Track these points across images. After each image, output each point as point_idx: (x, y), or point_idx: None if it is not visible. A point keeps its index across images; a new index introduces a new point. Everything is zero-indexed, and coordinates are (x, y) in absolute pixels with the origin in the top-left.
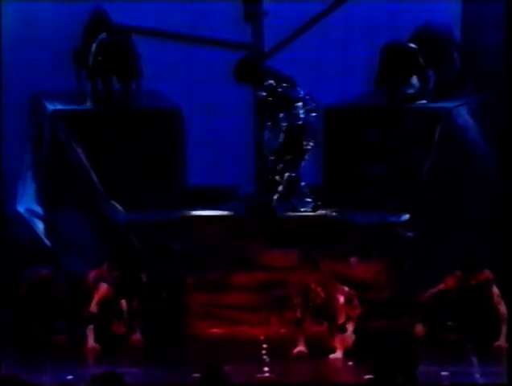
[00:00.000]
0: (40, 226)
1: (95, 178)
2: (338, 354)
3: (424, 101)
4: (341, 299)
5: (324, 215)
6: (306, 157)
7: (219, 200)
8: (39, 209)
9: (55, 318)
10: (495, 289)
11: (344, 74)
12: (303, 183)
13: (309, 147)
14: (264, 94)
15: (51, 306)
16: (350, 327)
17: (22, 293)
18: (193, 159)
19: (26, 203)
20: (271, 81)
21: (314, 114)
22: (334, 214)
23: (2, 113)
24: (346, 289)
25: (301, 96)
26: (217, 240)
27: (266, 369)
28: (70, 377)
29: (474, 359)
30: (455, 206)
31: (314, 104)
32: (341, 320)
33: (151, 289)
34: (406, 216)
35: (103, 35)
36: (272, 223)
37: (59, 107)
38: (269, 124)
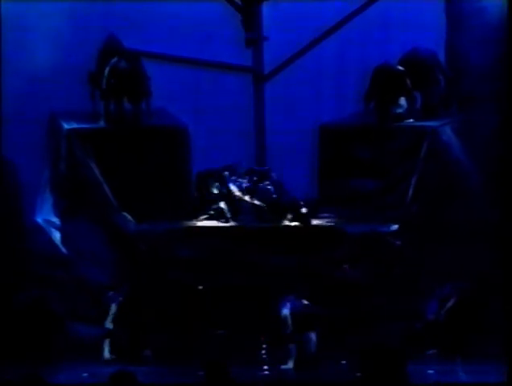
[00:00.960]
0: (57, 235)
1: (108, 191)
2: (289, 365)
3: (412, 120)
4: (285, 310)
5: (321, 225)
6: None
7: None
8: (55, 220)
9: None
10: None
11: (338, 94)
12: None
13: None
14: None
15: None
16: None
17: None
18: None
19: (45, 214)
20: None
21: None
22: (329, 224)
23: (24, 131)
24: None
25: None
26: (219, 249)
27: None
28: (85, 375)
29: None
30: (441, 216)
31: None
32: (285, 331)
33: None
34: (395, 226)
35: (115, 60)
36: (271, 232)
37: (75, 126)
38: None
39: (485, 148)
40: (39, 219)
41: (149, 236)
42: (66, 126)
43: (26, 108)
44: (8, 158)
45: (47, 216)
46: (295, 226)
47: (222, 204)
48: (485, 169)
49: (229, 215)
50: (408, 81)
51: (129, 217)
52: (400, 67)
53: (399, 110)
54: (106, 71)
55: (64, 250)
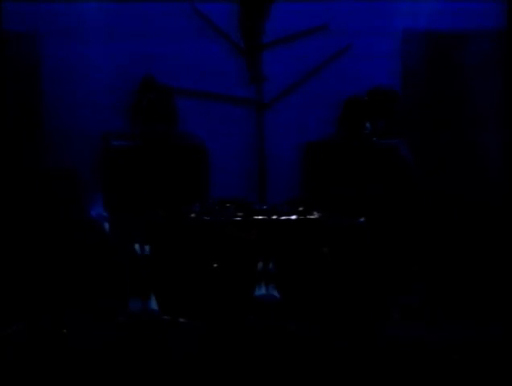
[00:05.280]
0: (106, 225)
1: (144, 193)
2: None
3: (375, 139)
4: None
5: (306, 218)
6: None
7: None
8: (105, 214)
9: None
10: None
11: (320, 119)
12: None
13: None
14: None
15: None
16: None
17: None
18: (214, 178)
19: (97, 209)
20: None
21: None
22: (313, 217)
23: (83, 147)
24: None
25: None
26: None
27: None
28: None
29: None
30: (397, 210)
31: None
32: None
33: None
34: (363, 219)
35: (151, 93)
36: (263, 225)
37: (121, 143)
38: None
39: (429, 159)
40: (93, 213)
41: (175, 226)
42: (114, 143)
43: (87, 129)
44: (70, 167)
45: (99, 211)
46: (288, 218)
47: None
48: (431, 174)
49: None
50: (372, 109)
51: (160, 212)
52: (366, 98)
53: (365, 131)
54: (144, 102)
55: (111, 236)
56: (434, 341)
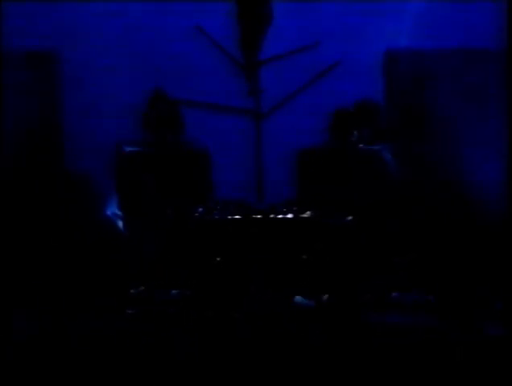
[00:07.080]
0: (120, 223)
1: (154, 194)
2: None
3: (361, 145)
4: None
5: (299, 217)
6: None
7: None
8: (119, 213)
9: None
10: None
11: (312, 128)
12: None
13: None
14: None
15: None
16: None
17: None
18: (216, 182)
19: (112, 209)
20: None
21: None
22: (306, 216)
23: (98, 154)
24: None
25: None
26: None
27: None
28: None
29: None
30: (382, 208)
31: None
32: None
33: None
34: (350, 218)
35: (161, 104)
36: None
37: (133, 149)
38: None
39: (409, 162)
40: (109, 212)
41: (182, 225)
42: (126, 149)
43: (103, 137)
44: (88, 171)
45: (113, 210)
46: (283, 217)
47: None
48: (411, 177)
49: None
50: (359, 119)
51: (169, 212)
52: (353, 110)
53: (353, 139)
54: (154, 112)
55: (125, 233)
56: (431, 336)
